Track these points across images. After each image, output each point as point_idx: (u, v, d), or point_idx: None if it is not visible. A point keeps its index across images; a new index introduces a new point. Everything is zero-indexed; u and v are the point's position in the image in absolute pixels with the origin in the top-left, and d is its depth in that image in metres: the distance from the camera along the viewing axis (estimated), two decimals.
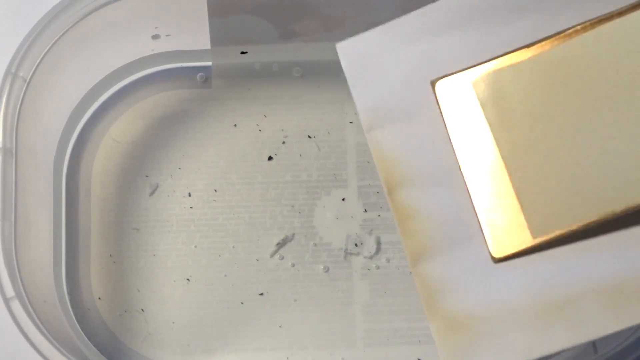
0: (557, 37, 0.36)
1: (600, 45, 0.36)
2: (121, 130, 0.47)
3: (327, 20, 0.45)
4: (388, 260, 0.45)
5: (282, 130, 0.47)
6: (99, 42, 0.44)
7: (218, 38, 0.46)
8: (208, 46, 0.46)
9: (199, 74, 0.47)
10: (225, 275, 0.45)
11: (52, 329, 0.38)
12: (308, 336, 0.45)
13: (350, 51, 0.38)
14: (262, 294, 0.45)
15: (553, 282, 0.35)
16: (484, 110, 0.37)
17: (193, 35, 0.45)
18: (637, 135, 0.35)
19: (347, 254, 0.46)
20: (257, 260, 0.46)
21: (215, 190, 0.46)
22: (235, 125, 0.47)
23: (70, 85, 0.45)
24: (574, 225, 0.35)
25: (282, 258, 0.46)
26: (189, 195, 0.46)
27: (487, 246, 0.36)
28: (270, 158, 0.47)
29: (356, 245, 0.46)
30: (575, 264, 0.35)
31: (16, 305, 0.37)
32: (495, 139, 0.37)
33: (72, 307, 0.44)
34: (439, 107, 0.37)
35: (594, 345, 0.43)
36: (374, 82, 0.38)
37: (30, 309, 0.38)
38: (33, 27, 0.40)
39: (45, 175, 0.44)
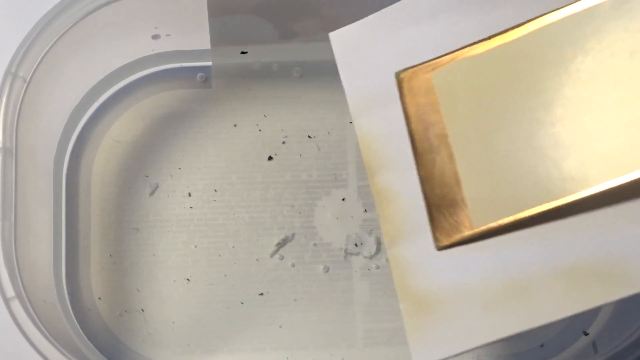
0: (514, 29, 0.37)
1: (552, 40, 0.36)
2: (121, 130, 0.47)
3: (327, 20, 0.45)
4: (388, 260, 0.45)
5: (282, 130, 0.47)
6: (99, 42, 0.44)
7: (218, 38, 0.46)
8: (208, 46, 0.46)
9: (199, 74, 0.47)
10: (225, 275, 0.45)
11: (52, 329, 0.38)
12: (308, 336, 0.45)
13: (342, 40, 0.39)
14: (262, 294, 0.45)
15: (511, 265, 0.35)
16: (440, 101, 0.38)
17: (193, 35, 0.45)
18: (579, 129, 0.35)
19: (347, 254, 0.46)
20: (257, 260, 0.46)
21: (215, 190, 0.46)
22: (235, 125, 0.47)
23: (70, 85, 0.45)
24: (515, 216, 0.36)
25: (282, 258, 0.46)
26: (189, 195, 0.46)
27: (432, 234, 0.37)
28: (270, 158, 0.47)
29: (356, 245, 0.46)
30: (533, 246, 0.35)
31: (16, 305, 0.37)
32: (448, 129, 0.38)
33: (72, 307, 0.44)
34: (402, 98, 0.39)
35: (594, 345, 0.43)
36: (362, 70, 0.38)
37: (30, 309, 0.38)
38: (33, 27, 0.40)
39: (45, 175, 0.44)
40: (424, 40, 0.38)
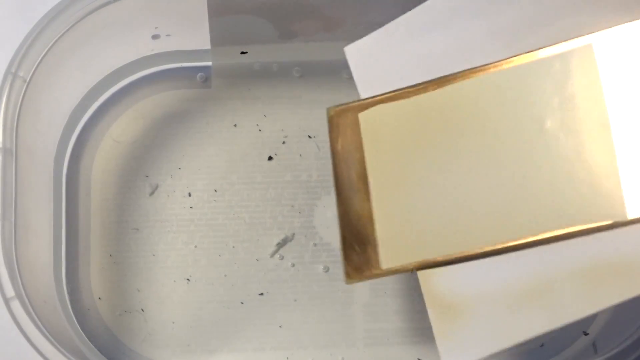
0: (442, 80, 0.38)
1: (478, 92, 0.38)
2: (121, 130, 0.47)
3: (327, 20, 0.45)
4: None
5: (282, 130, 0.47)
6: (99, 42, 0.44)
7: (218, 38, 0.46)
8: (208, 46, 0.46)
9: (199, 74, 0.47)
10: (225, 275, 0.45)
11: (52, 329, 0.38)
12: (308, 336, 0.45)
13: (357, 53, 0.39)
14: (262, 294, 0.45)
15: (532, 266, 0.35)
16: (364, 141, 0.39)
17: (193, 35, 0.45)
18: (489, 182, 0.37)
19: None
20: (257, 260, 0.46)
21: (215, 190, 0.46)
22: (235, 125, 0.47)
23: (70, 85, 0.45)
24: (423, 261, 0.38)
25: (282, 258, 0.46)
26: (189, 195, 0.46)
27: (343, 268, 0.39)
28: (270, 158, 0.47)
29: None
30: (552, 247, 0.35)
31: (16, 305, 0.37)
32: (368, 169, 0.39)
33: (72, 307, 0.44)
34: (330, 134, 0.40)
35: (594, 345, 0.43)
36: (378, 82, 0.39)
37: (30, 309, 0.38)
38: (33, 27, 0.40)
39: (45, 175, 0.44)
40: (437, 50, 0.38)
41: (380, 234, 0.39)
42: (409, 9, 0.40)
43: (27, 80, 0.40)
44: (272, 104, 0.47)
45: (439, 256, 0.37)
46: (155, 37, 0.45)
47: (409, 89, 0.39)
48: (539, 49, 0.37)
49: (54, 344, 0.37)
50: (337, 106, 0.40)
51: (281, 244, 0.46)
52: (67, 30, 0.41)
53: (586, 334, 0.44)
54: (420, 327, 0.45)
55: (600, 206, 0.35)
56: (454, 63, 0.38)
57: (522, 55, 0.37)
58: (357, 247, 0.39)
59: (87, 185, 0.46)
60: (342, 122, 0.40)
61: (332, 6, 0.44)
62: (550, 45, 0.36)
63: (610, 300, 0.34)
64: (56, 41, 0.41)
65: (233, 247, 0.45)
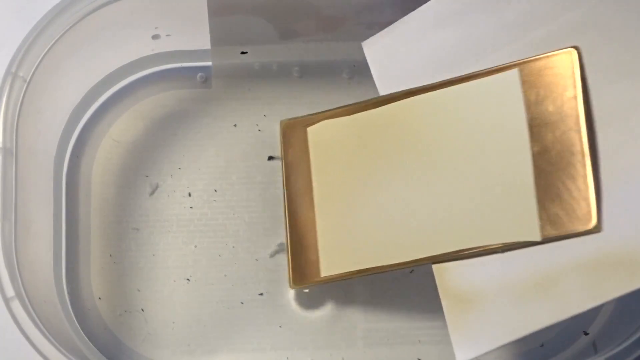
0: (382, 99, 0.40)
1: (414, 112, 0.39)
2: (121, 130, 0.47)
3: (327, 20, 0.45)
4: None
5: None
6: (99, 42, 0.44)
7: (218, 38, 0.46)
8: (208, 46, 0.46)
9: (199, 74, 0.47)
10: (225, 275, 0.45)
11: (52, 329, 0.38)
12: (308, 336, 0.45)
13: (374, 48, 0.40)
14: (262, 294, 0.45)
15: (540, 259, 0.36)
16: (311, 153, 0.42)
17: (193, 35, 0.45)
18: (426, 200, 0.39)
19: None
20: (257, 260, 0.45)
21: (215, 190, 0.46)
22: (235, 125, 0.47)
23: (70, 85, 0.45)
24: (361, 269, 0.40)
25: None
26: (189, 195, 0.46)
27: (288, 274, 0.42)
28: (270, 158, 0.47)
29: None
30: (555, 244, 0.36)
31: (16, 305, 0.37)
32: (313, 180, 0.42)
33: (72, 307, 0.44)
34: (281, 144, 0.43)
35: (594, 345, 0.43)
36: (396, 76, 0.40)
37: (30, 309, 0.38)
38: (33, 27, 0.40)
39: (45, 175, 0.44)
40: (452, 43, 0.39)
41: (321, 243, 0.41)
42: (409, 9, 0.40)
43: (27, 80, 0.40)
44: (272, 104, 0.47)
45: (373, 266, 0.40)
46: (155, 37, 0.45)
47: (353, 106, 0.41)
48: (472, 73, 0.38)
49: (54, 344, 0.37)
50: (289, 119, 0.43)
51: (281, 244, 0.46)
52: (67, 30, 0.41)
53: (586, 334, 0.44)
54: (420, 327, 0.45)
55: (516, 225, 0.36)
56: (467, 56, 0.38)
57: (456, 78, 0.39)
58: (301, 254, 0.42)
59: (87, 185, 0.46)
60: (292, 135, 0.43)
61: (332, 6, 0.44)
62: (483, 70, 0.38)
63: (615, 292, 0.34)
64: (56, 41, 0.41)
65: (233, 247, 0.45)
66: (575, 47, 0.36)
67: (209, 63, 0.47)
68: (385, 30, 0.40)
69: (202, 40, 0.46)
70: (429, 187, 0.38)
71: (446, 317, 0.37)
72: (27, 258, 0.39)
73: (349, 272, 0.40)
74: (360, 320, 0.45)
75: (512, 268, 0.36)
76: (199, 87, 0.47)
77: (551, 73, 0.36)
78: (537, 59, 0.37)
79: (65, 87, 0.44)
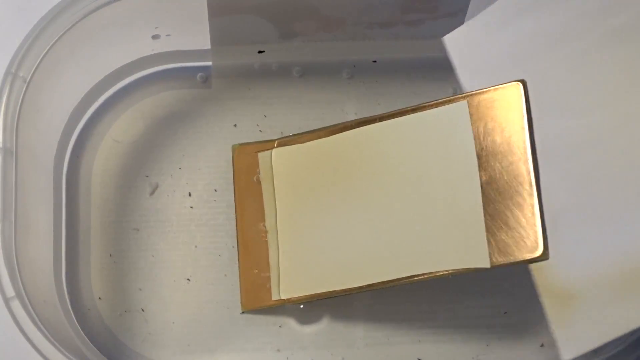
0: (334, 127, 0.41)
1: (365, 140, 0.40)
2: (121, 130, 0.47)
3: (327, 20, 0.45)
4: None
5: (282, 130, 0.47)
6: (99, 42, 0.44)
7: (218, 38, 0.46)
8: (208, 46, 0.46)
9: (199, 74, 0.47)
10: (225, 275, 0.45)
11: (52, 329, 0.38)
12: (308, 336, 0.45)
13: (456, 42, 0.40)
14: None
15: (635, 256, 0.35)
16: (262, 178, 0.43)
17: (193, 35, 0.45)
18: (376, 227, 0.39)
19: None
20: None
21: (215, 190, 0.46)
22: (235, 125, 0.47)
23: (70, 85, 0.45)
24: (314, 294, 0.41)
25: None
26: (189, 195, 0.46)
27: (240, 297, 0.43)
28: None
29: None
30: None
31: (16, 305, 0.37)
32: (265, 205, 0.43)
33: (72, 307, 0.44)
34: (233, 167, 0.44)
35: None
36: (479, 70, 0.39)
37: (30, 309, 0.38)
38: (33, 27, 0.40)
39: (45, 175, 0.44)
40: (532, 32, 0.38)
41: (272, 267, 0.42)
42: (409, 10, 0.40)
43: (27, 80, 0.40)
44: (272, 104, 0.47)
45: (326, 291, 0.41)
46: (155, 37, 0.45)
47: (308, 134, 0.42)
48: (422, 104, 0.39)
49: (54, 344, 0.37)
50: (241, 144, 0.44)
51: None
52: (67, 30, 0.41)
53: None
54: (420, 327, 0.45)
55: (467, 252, 0.37)
56: (547, 45, 0.38)
57: (407, 108, 0.39)
58: (253, 278, 0.43)
59: (87, 185, 0.46)
60: (244, 160, 0.44)
61: (332, 6, 0.44)
62: (432, 102, 0.39)
63: None
64: (56, 41, 0.41)
65: (233, 247, 0.45)
66: (521, 81, 0.37)
67: (209, 63, 0.47)
68: (466, 24, 0.40)
69: (202, 40, 0.46)
70: (381, 215, 0.39)
71: (548, 316, 0.36)
72: (27, 258, 0.39)
73: (304, 296, 0.42)
74: (360, 320, 0.45)
75: (607, 260, 0.35)
76: (199, 87, 0.47)
77: (499, 105, 0.37)
78: (485, 92, 0.38)
79: (65, 87, 0.44)
